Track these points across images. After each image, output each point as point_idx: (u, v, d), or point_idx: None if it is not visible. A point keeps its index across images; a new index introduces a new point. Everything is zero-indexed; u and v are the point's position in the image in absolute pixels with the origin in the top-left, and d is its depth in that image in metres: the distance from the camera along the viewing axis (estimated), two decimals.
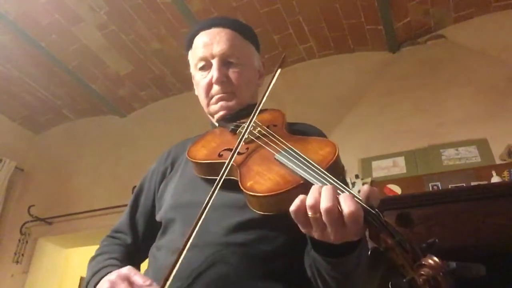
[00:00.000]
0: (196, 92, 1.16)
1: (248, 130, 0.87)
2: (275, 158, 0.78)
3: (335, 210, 0.59)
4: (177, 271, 0.82)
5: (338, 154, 0.75)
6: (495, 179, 2.19)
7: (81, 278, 3.98)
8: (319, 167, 0.69)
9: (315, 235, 0.63)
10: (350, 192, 0.62)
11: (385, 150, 2.65)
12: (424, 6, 2.79)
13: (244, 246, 0.82)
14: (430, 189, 2.33)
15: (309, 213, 0.61)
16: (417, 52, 2.99)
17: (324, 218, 0.60)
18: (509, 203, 1.81)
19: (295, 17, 2.93)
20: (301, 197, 0.63)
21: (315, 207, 0.60)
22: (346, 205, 0.59)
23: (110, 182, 3.43)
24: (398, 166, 2.57)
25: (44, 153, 4.08)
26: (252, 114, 0.91)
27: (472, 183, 2.22)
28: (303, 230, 0.65)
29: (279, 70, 0.99)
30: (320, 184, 0.65)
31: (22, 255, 3.52)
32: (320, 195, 0.61)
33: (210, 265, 0.81)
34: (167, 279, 0.69)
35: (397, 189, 2.43)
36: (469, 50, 2.80)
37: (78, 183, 3.69)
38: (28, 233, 3.61)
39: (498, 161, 2.34)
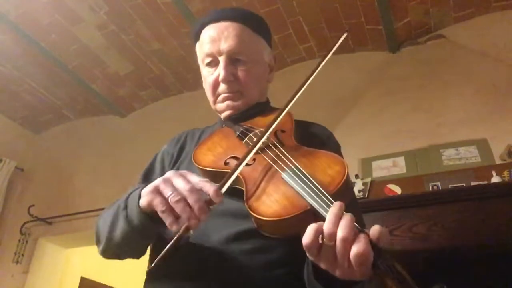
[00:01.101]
0: (203, 86, 1.12)
1: (258, 146, 0.84)
2: (282, 177, 0.75)
3: (350, 240, 0.58)
4: (175, 277, 0.82)
5: (347, 175, 0.72)
6: (495, 179, 2.18)
7: (81, 278, 3.98)
8: (326, 194, 0.67)
9: (323, 265, 0.61)
10: (360, 229, 0.60)
11: (385, 150, 2.65)
12: (424, 6, 2.79)
13: (244, 255, 0.81)
14: (430, 189, 2.33)
15: (325, 240, 0.59)
16: (417, 52, 2.99)
17: (338, 247, 0.58)
18: (509, 203, 1.81)
19: (295, 17, 2.93)
20: (314, 226, 0.60)
21: (333, 234, 0.58)
22: (357, 245, 0.57)
23: (110, 182, 3.43)
24: (398, 166, 2.57)
25: (44, 153, 4.08)
26: (265, 129, 0.86)
27: (472, 183, 2.21)
28: (311, 259, 0.63)
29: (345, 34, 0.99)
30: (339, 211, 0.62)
31: (22, 255, 3.52)
32: (338, 223, 0.59)
33: (208, 273, 0.80)
34: (226, 180, 0.72)
35: (397, 189, 2.43)
36: (469, 50, 2.79)
37: (78, 183, 3.69)
38: (28, 233, 3.61)
39: (498, 161, 2.34)
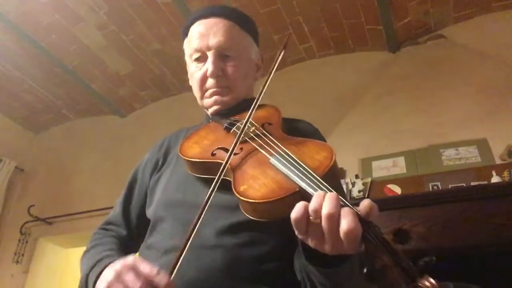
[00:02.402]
0: (190, 82, 1.13)
1: (243, 132, 0.84)
2: (270, 162, 0.75)
3: (336, 217, 0.58)
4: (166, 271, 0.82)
5: (334, 159, 0.73)
6: (495, 179, 2.19)
7: None
8: (315, 175, 0.67)
9: (311, 243, 0.62)
10: (348, 205, 0.60)
11: (385, 150, 2.65)
12: (424, 6, 2.79)
13: (234, 249, 0.81)
14: (430, 189, 2.33)
15: (311, 217, 0.60)
16: (417, 52, 2.99)
17: (323, 224, 0.58)
18: (509, 203, 1.81)
19: (295, 17, 2.93)
20: (303, 203, 0.61)
21: (318, 211, 0.59)
22: (346, 221, 0.57)
23: (110, 182, 3.43)
24: (398, 166, 2.57)
25: (44, 153, 4.08)
26: (248, 114, 0.87)
27: (472, 183, 2.22)
28: (299, 237, 0.63)
29: (283, 52, 0.94)
30: (324, 191, 0.63)
31: (22, 255, 3.52)
32: (323, 201, 0.60)
33: (198, 267, 0.79)
34: (174, 267, 0.68)
35: (397, 189, 2.43)
36: (469, 50, 2.80)
37: (78, 183, 3.69)
38: (28, 233, 3.61)
39: (498, 161, 2.34)
